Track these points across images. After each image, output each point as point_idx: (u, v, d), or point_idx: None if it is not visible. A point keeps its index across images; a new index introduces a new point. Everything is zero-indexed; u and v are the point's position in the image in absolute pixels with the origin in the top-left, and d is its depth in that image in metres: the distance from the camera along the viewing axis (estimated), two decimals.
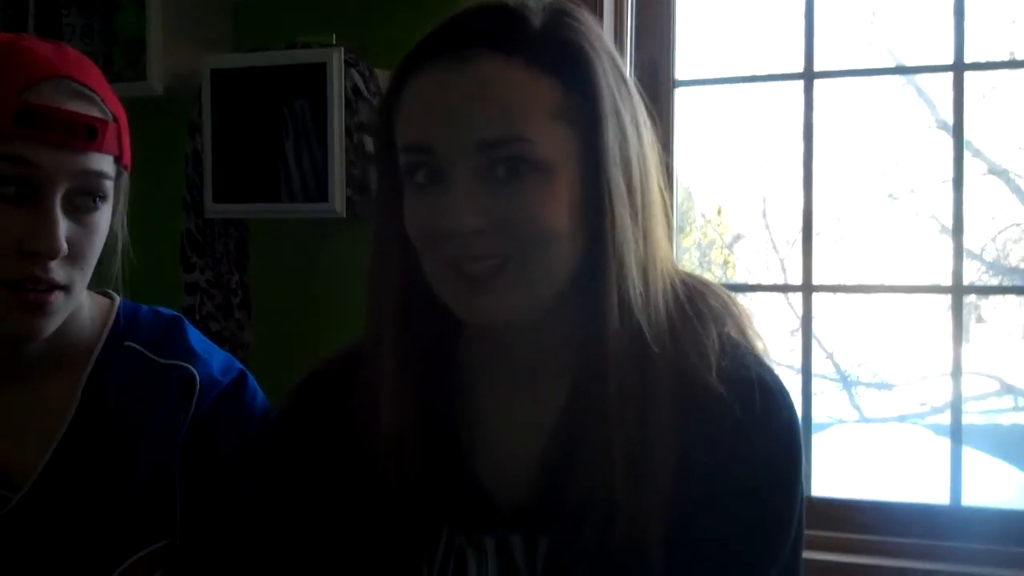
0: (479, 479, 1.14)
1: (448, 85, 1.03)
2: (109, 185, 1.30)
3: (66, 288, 1.26)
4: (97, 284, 1.43)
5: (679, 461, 1.07)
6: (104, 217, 1.31)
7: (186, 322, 1.46)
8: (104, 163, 1.29)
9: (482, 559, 1.11)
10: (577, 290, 1.08)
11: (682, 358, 1.09)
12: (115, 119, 1.31)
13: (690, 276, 1.17)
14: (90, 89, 1.28)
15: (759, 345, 1.15)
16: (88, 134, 1.24)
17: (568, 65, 1.05)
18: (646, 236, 1.08)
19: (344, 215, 2.36)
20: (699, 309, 1.13)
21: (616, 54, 1.11)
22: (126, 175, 1.39)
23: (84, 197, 1.27)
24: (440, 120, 1.03)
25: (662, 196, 1.12)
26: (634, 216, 1.07)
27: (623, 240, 1.05)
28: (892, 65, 4.96)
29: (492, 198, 1.02)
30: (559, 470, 1.10)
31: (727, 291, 1.17)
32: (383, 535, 1.13)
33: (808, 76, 2.31)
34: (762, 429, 1.08)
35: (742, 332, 1.15)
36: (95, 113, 1.27)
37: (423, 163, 1.05)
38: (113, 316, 1.44)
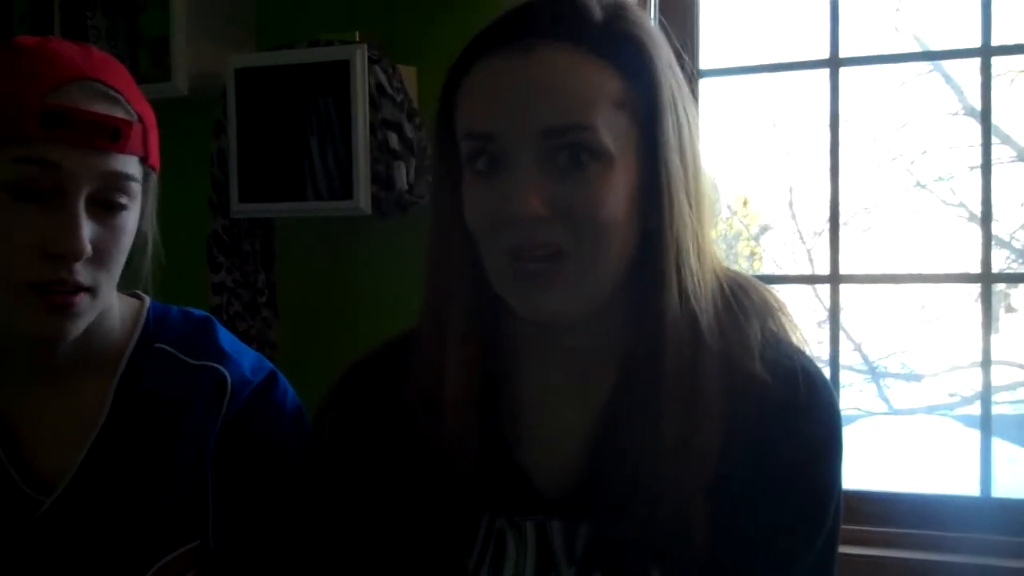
0: (523, 463, 1.15)
1: (511, 73, 1.04)
2: (135, 187, 1.30)
3: (91, 290, 1.27)
4: (127, 285, 1.44)
5: (724, 447, 1.08)
6: (131, 218, 1.31)
7: (216, 323, 1.47)
8: (129, 164, 1.29)
9: (521, 543, 1.12)
10: (633, 280, 1.10)
11: (727, 348, 1.11)
12: (141, 119, 1.31)
13: (732, 271, 1.19)
14: (115, 90, 1.29)
15: (798, 337, 1.17)
16: (112, 135, 1.25)
17: (629, 57, 1.06)
18: (700, 225, 1.10)
19: (369, 212, 2.36)
20: (743, 302, 1.15)
21: (671, 52, 1.13)
22: (154, 176, 1.39)
23: (109, 199, 1.27)
24: (503, 107, 1.04)
25: (710, 191, 1.14)
26: (691, 206, 1.09)
27: (682, 226, 1.07)
28: (918, 51, 4.93)
29: (554, 186, 1.03)
30: (606, 453, 1.11)
31: (766, 286, 1.18)
32: (427, 519, 1.14)
33: (834, 64, 2.30)
34: (805, 415, 1.10)
35: (782, 326, 1.17)
36: (120, 114, 1.27)
37: (485, 150, 1.06)
38: (144, 318, 1.44)
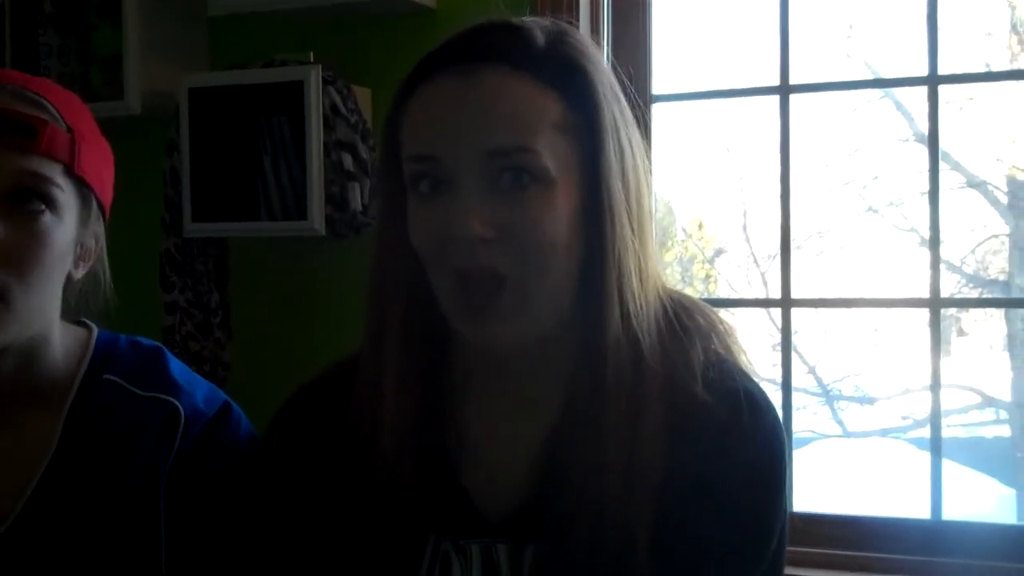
0: (468, 486, 1.14)
1: (454, 96, 1.05)
2: (56, 193, 1.26)
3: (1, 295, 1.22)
4: (80, 318, 1.41)
5: (667, 468, 1.08)
6: (55, 230, 1.27)
7: (167, 353, 1.44)
8: (45, 166, 1.25)
9: (467, 567, 1.11)
10: (576, 303, 1.10)
11: (670, 370, 1.11)
12: (71, 130, 1.28)
13: (676, 292, 1.19)
14: (42, 97, 1.27)
15: (744, 360, 1.17)
16: (26, 132, 1.22)
17: (570, 81, 1.07)
18: (642, 248, 1.10)
19: (323, 233, 2.36)
20: (686, 324, 1.15)
21: (612, 74, 1.14)
22: (96, 203, 1.36)
23: (23, 200, 1.23)
24: (447, 130, 1.05)
25: (652, 213, 1.15)
26: (632, 228, 1.09)
27: (624, 249, 1.08)
28: (868, 78, 4.99)
29: (497, 208, 1.04)
30: (551, 478, 1.11)
31: (711, 308, 1.18)
32: (372, 543, 1.13)
33: (784, 90, 2.32)
34: (748, 438, 1.10)
35: (727, 348, 1.17)
36: (39, 114, 1.25)
37: (428, 172, 1.06)
38: (91, 348, 1.41)
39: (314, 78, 2.32)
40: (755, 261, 5.13)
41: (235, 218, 2.42)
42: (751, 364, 1.18)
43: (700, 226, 5.24)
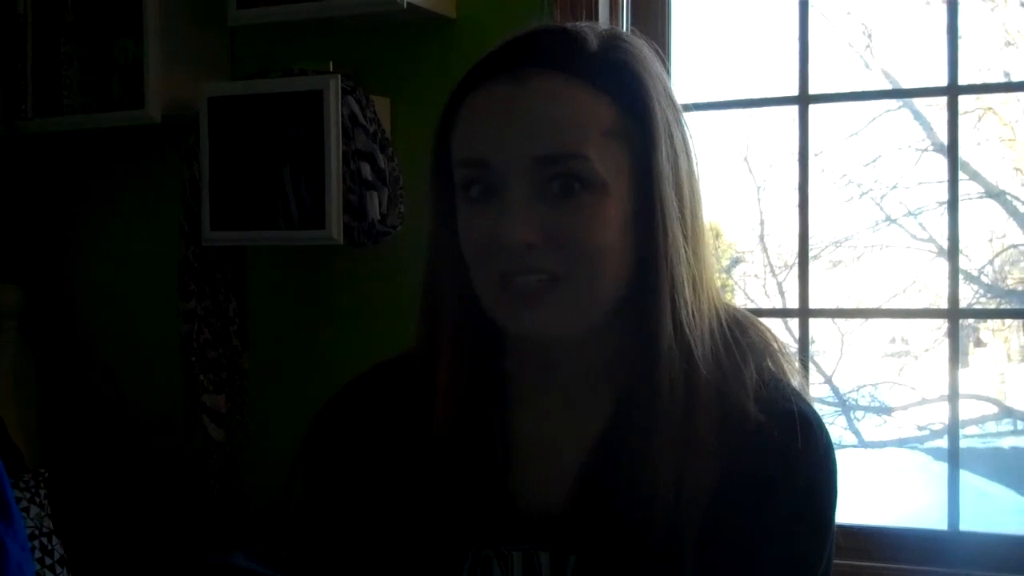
0: (512, 492, 1.14)
1: (505, 101, 1.05)
2: None
3: None
4: None
5: (717, 483, 1.07)
6: None
7: None
8: None
9: (508, 573, 1.11)
10: (627, 308, 1.09)
11: (723, 385, 1.10)
12: None
13: (732, 307, 1.18)
14: None
15: (797, 380, 1.16)
16: None
17: (623, 87, 1.07)
18: (696, 256, 1.10)
19: (341, 242, 2.36)
20: (740, 340, 1.13)
21: (668, 81, 1.13)
22: None
23: None
24: (497, 135, 1.05)
25: (709, 224, 1.14)
26: (685, 235, 1.08)
27: (676, 258, 1.06)
28: (886, 88, 4.98)
29: (546, 214, 1.04)
30: (598, 485, 1.10)
31: (766, 325, 1.17)
32: (414, 545, 1.13)
33: (803, 100, 2.32)
34: (800, 460, 1.09)
35: (780, 368, 1.16)
36: None
37: (478, 178, 1.06)
38: None
39: (333, 88, 2.33)
40: (772, 271, 5.12)
41: (254, 227, 2.43)
42: (805, 384, 1.17)
43: (718, 235, 5.23)
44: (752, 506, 1.07)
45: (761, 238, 5.11)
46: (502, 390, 1.16)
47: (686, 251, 1.08)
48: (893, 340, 5.27)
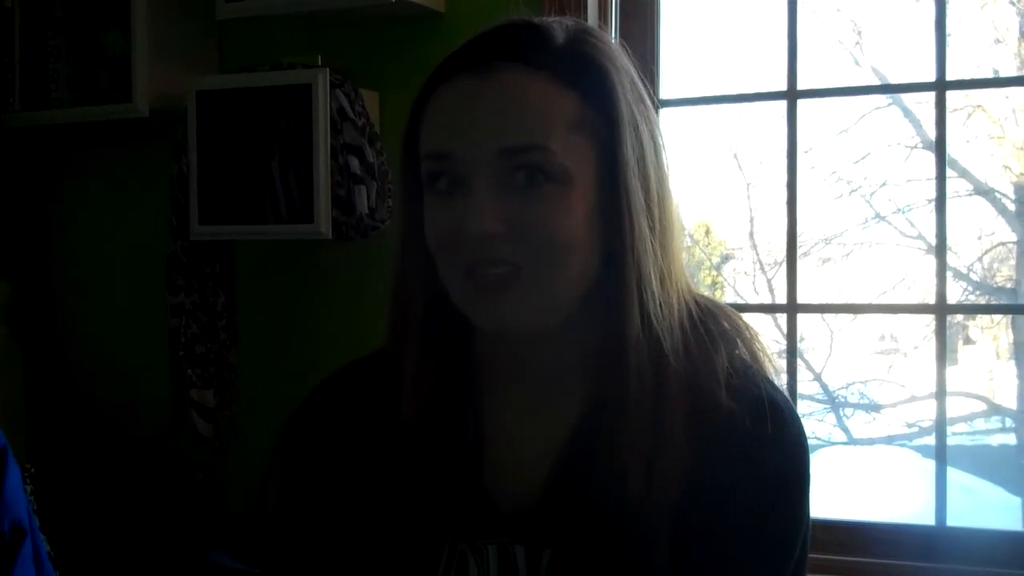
0: (486, 486, 1.14)
1: (470, 94, 1.06)
2: None
3: None
4: None
5: (689, 473, 1.07)
6: None
7: None
8: None
9: (484, 567, 1.11)
10: (595, 301, 1.10)
11: (693, 374, 1.10)
12: None
13: (703, 297, 1.18)
14: None
15: (768, 367, 1.16)
16: None
17: (588, 80, 1.07)
18: (664, 249, 1.10)
19: (330, 236, 2.36)
20: (711, 329, 1.14)
21: (636, 75, 1.14)
22: None
23: None
24: (461, 128, 1.05)
25: (679, 217, 1.14)
26: (652, 228, 1.08)
27: (643, 250, 1.06)
28: (875, 84, 4.98)
29: (510, 205, 1.04)
30: (571, 477, 1.10)
31: (738, 313, 1.18)
32: (389, 542, 1.13)
33: (791, 96, 2.32)
34: (772, 446, 1.09)
35: (753, 355, 1.16)
36: None
37: (444, 170, 1.07)
38: None
39: (322, 81, 2.33)
40: (762, 267, 5.13)
41: (242, 221, 2.43)
42: (776, 371, 1.17)
43: (707, 231, 5.24)
44: (724, 495, 1.07)
45: (751, 235, 5.12)
46: (472, 383, 1.17)
47: (653, 244, 1.08)
48: (882, 337, 5.29)
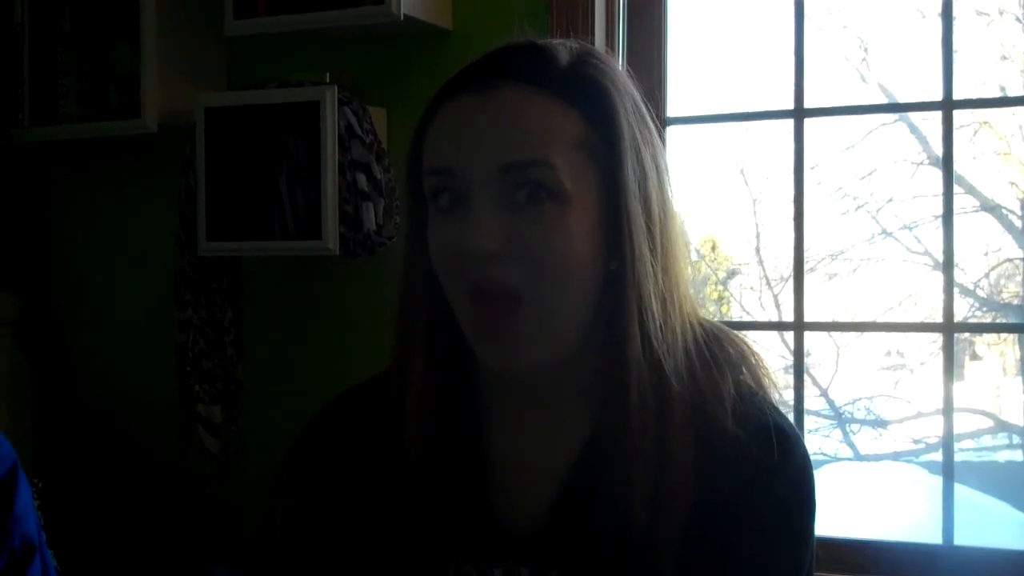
0: (492, 509, 1.14)
1: (471, 111, 1.06)
2: None
3: None
4: None
5: (694, 497, 1.07)
6: None
7: None
8: None
9: None
10: (596, 326, 1.09)
11: (699, 400, 1.10)
12: None
13: (708, 321, 1.18)
14: None
15: (773, 394, 1.16)
16: None
17: (590, 101, 1.08)
18: (666, 272, 1.10)
19: (337, 252, 2.37)
20: (716, 354, 1.14)
21: (639, 97, 1.14)
22: None
23: None
24: (463, 145, 1.06)
25: (684, 241, 1.14)
26: (653, 251, 1.08)
27: (643, 273, 1.06)
28: (882, 103, 4.98)
29: (511, 222, 1.04)
30: (577, 500, 1.10)
31: (743, 339, 1.17)
32: (395, 564, 1.13)
33: (799, 114, 2.32)
34: (778, 473, 1.10)
35: (758, 381, 1.16)
36: None
37: (446, 187, 1.07)
38: None
39: (330, 98, 2.34)
40: (768, 283, 5.12)
41: (250, 237, 2.43)
42: (781, 399, 1.17)
43: (714, 247, 5.23)
44: (730, 520, 1.07)
45: (757, 250, 5.12)
46: (478, 404, 1.17)
47: (654, 266, 1.08)
48: (889, 353, 5.28)
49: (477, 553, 1.12)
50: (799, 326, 2.32)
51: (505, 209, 1.04)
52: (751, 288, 5.33)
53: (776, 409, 1.14)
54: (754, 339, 1.22)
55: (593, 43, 2.25)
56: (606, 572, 1.06)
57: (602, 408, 1.10)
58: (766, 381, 1.16)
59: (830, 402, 5.28)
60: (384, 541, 1.14)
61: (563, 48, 1.11)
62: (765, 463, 1.08)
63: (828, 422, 5.30)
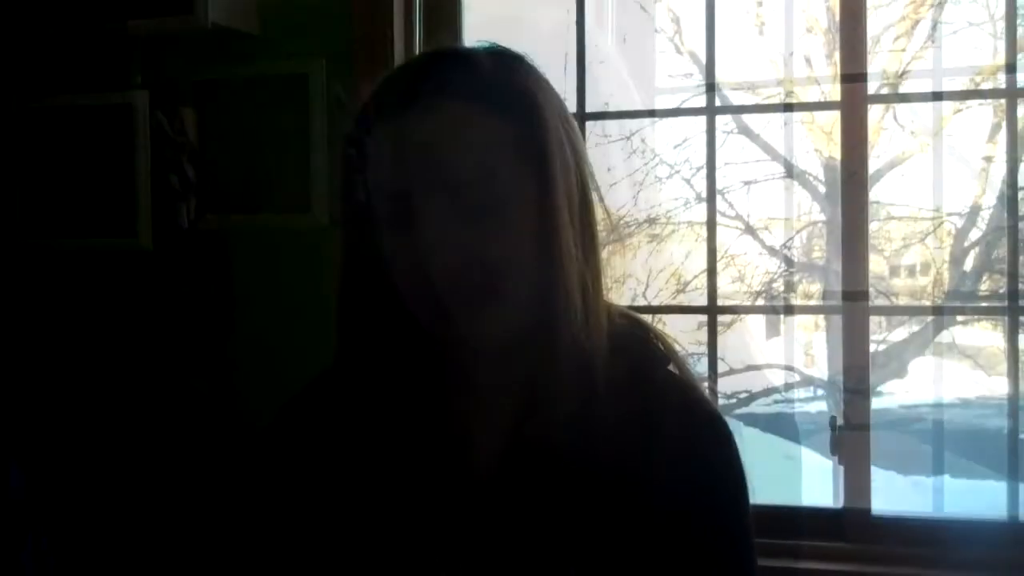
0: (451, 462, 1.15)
1: (418, 133, 1.09)
2: None
3: None
4: None
5: (627, 479, 1.11)
6: None
7: None
8: None
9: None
10: (532, 310, 1.11)
11: (622, 384, 1.13)
12: None
13: (625, 311, 1.22)
14: None
15: (687, 373, 1.18)
16: None
17: (520, 106, 1.11)
18: (588, 264, 1.14)
19: (151, 248, 2.41)
20: (639, 337, 1.19)
21: (558, 96, 1.17)
22: None
23: None
24: (413, 166, 1.09)
25: (598, 232, 1.16)
26: (578, 245, 1.12)
27: (569, 264, 1.10)
28: (696, 72, 5.16)
29: (467, 237, 1.07)
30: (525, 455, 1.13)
31: (652, 326, 1.20)
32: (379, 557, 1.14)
33: (710, 112, 2.20)
34: (705, 450, 1.13)
35: (678, 367, 1.18)
36: None
37: (399, 208, 1.09)
38: None
39: (141, 101, 2.38)
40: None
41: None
42: (694, 379, 1.20)
43: None
44: (662, 494, 1.10)
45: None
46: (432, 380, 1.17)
47: (579, 259, 1.12)
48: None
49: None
50: (712, 310, 2.28)
51: (459, 225, 1.07)
52: None
53: (697, 390, 1.18)
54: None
55: (392, 42, 2.34)
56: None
57: (530, 399, 1.12)
58: (685, 368, 1.19)
59: None
60: (368, 534, 1.14)
61: (484, 56, 1.14)
62: (691, 441, 1.12)
63: None
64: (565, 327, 1.10)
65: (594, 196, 1.17)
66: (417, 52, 2.38)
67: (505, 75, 1.13)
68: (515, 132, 1.11)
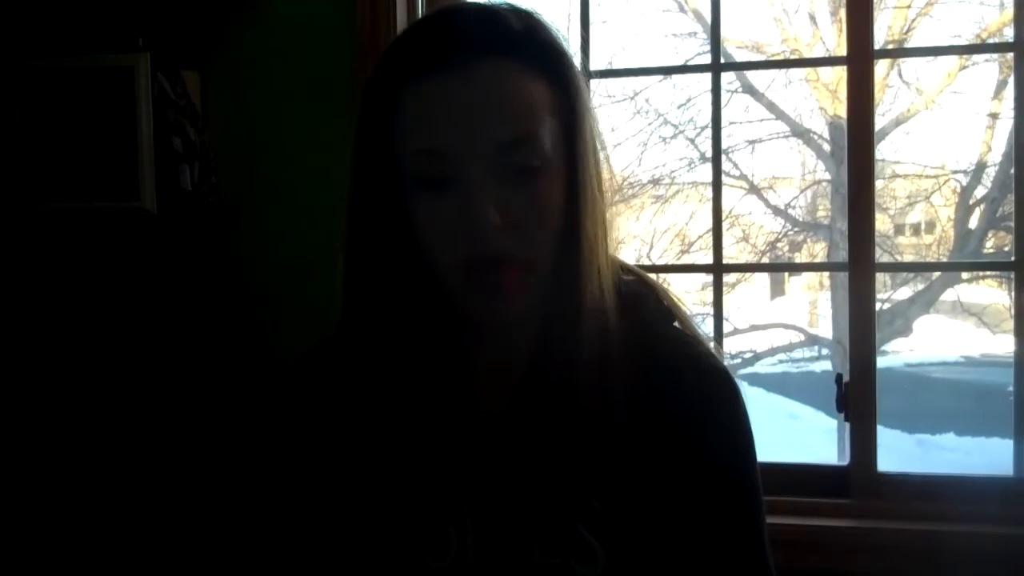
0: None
1: (456, 91, 1.07)
2: None
3: None
4: None
5: (639, 424, 1.11)
6: None
7: None
8: None
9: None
10: (555, 269, 1.12)
11: (631, 336, 1.13)
12: None
13: (631, 266, 1.22)
14: None
15: (692, 329, 1.18)
16: None
17: (554, 65, 1.10)
18: (604, 221, 1.14)
19: (155, 211, 2.42)
20: (642, 294, 1.19)
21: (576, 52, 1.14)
22: None
23: None
24: (453, 126, 1.06)
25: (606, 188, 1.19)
26: (603, 200, 1.13)
27: (594, 222, 1.10)
28: (698, 28, 5.14)
29: (507, 197, 1.06)
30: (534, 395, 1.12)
31: (660, 284, 1.20)
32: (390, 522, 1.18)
33: (715, 69, 2.30)
34: (713, 404, 1.13)
35: (683, 323, 1.19)
36: None
37: (437, 167, 1.07)
38: None
39: (144, 64, 2.37)
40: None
41: (71, 198, 2.47)
42: (699, 334, 1.21)
43: None
44: (672, 452, 1.10)
45: None
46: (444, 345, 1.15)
47: (603, 213, 1.12)
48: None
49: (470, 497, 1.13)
50: (718, 268, 2.24)
51: (499, 184, 1.05)
52: None
53: (705, 347, 1.17)
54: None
55: (395, 6, 2.34)
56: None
57: (545, 347, 1.11)
58: (691, 326, 1.19)
59: None
60: (357, 491, 1.14)
61: (510, 13, 1.12)
62: (702, 397, 1.13)
63: None
64: (587, 284, 1.10)
65: (603, 155, 1.16)
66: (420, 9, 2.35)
67: (532, 31, 1.11)
68: (551, 91, 1.10)
